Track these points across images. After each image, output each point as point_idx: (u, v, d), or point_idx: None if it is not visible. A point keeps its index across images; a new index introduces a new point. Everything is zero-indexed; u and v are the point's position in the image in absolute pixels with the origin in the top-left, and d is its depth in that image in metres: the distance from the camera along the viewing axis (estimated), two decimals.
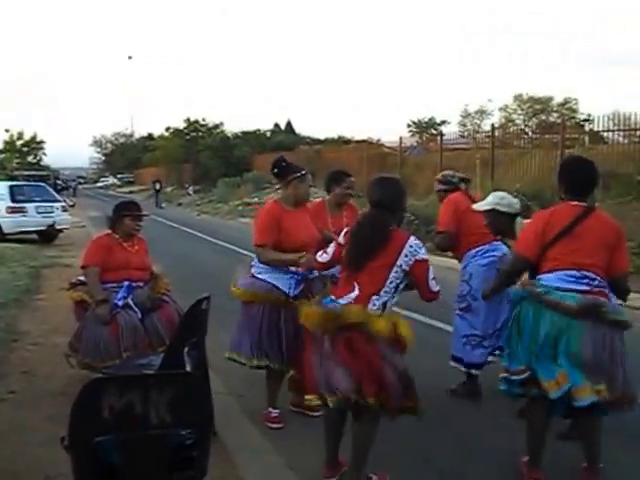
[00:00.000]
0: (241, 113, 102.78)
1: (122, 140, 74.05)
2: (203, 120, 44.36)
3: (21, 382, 4.67)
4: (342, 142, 34.74)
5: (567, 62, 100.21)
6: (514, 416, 3.68)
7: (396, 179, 3.47)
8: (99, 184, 67.78)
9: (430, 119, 51.04)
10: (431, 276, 3.09)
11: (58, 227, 15.21)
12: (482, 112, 48.94)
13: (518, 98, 46.98)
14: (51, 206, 15.23)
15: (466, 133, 33.07)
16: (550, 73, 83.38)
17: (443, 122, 49.44)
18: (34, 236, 14.97)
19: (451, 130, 40.08)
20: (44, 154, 52.35)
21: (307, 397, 3.18)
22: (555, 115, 43.27)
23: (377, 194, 3.17)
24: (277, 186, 4.20)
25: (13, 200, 14.60)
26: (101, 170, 79.87)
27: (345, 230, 3.28)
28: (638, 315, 6.89)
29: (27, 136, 50.62)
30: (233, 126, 64.62)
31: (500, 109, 47.98)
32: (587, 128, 19.49)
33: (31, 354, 5.40)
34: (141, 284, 4.59)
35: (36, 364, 5.09)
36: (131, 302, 4.42)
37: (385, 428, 3.12)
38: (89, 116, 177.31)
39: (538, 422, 3.20)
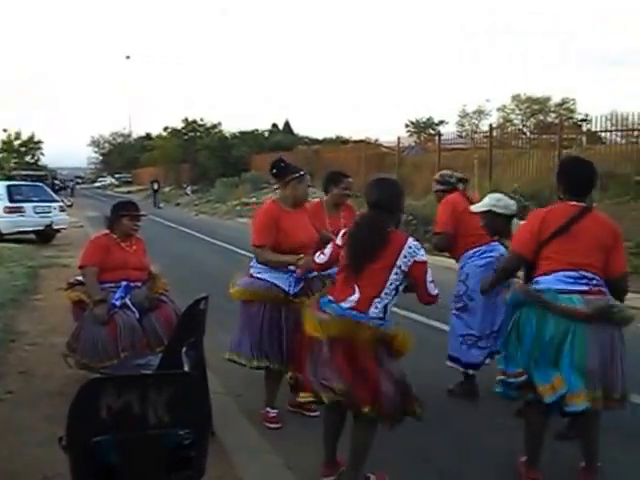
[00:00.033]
0: (239, 113, 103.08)
1: (120, 140, 73.97)
2: (201, 120, 44.41)
3: (19, 382, 4.66)
4: (340, 142, 34.79)
5: (567, 62, 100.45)
6: (512, 416, 3.69)
7: (394, 180, 3.48)
8: (97, 184, 67.70)
9: (428, 119, 51.16)
10: (429, 279, 3.08)
11: (56, 227, 15.19)
12: (480, 112, 49.12)
13: (516, 98, 47.11)
14: (49, 206, 15.21)
15: (464, 133, 33.14)
16: (550, 73, 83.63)
17: (441, 122, 49.60)
18: (32, 236, 14.94)
19: (449, 130, 40.30)
20: (42, 154, 52.43)
21: (302, 394, 3.18)
22: (553, 115, 43.35)
23: (375, 195, 3.16)
24: (275, 186, 4.20)
25: (11, 200, 14.57)
26: (99, 170, 79.75)
27: (343, 231, 3.28)
28: (637, 315, 6.93)
29: (25, 136, 50.65)
30: (231, 126, 64.66)
31: (498, 109, 48.17)
32: (585, 128, 19.52)
33: (29, 354, 5.39)
34: (139, 284, 4.59)
35: (34, 364, 5.08)
36: (129, 302, 4.42)
37: (383, 428, 3.11)
38: (87, 116, 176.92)
39: (536, 422, 3.20)
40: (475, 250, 4.45)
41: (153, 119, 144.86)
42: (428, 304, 3.17)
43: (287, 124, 47.66)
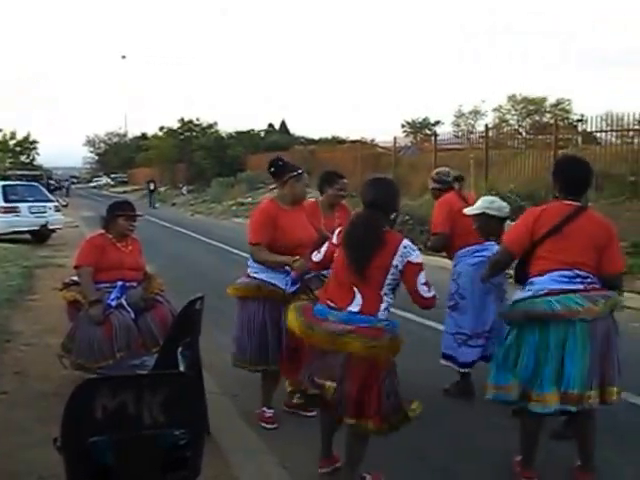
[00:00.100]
0: (236, 113, 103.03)
1: (115, 140, 73.88)
2: (197, 120, 44.34)
3: (14, 383, 4.65)
4: (336, 142, 34.80)
5: (566, 62, 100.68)
6: (507, 415, 3.69)
7: (390, 180, 3.47)
8: (92, 184, 67.54)
9: (424, 119, 51.18)
10: (422, 280, 2.99)
11: (51, 227, 15.15)
12: (476, 112, 49.08)
13: (512, 99, 47.12)
14: (44, 206, 15.16)
15: (460, 133, 33.05)
16: (549, 73, 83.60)
17: (437, 122, 49.60)
18: (27, 236, 14.90)
19: (445, 130, 40.25)
20: (37, 154, 52.33)
21: (289, 389, 3.18)
22: (548, 116, 43.40)
23: (371, 195, 3.15)
24: (272, 186, 4.21)
25: (6, 200, 14.53)
26: (94, 170, 79.56)
27: (338, 230, 3.27)
28: (633, 314, 6.95)
29: (20, 136, 50.56)
30: (227, 126, 64.73)
31: (494, 109, 48.13)
32: (580, 129, 19.55)
33: (24, 354, 5.37)
34: (135, 284, 4.58)
35: (29, 365, 5.07)
36: (124, 302, 4.41)
37: None
38: (83, 116, 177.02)
39: (531, 421, 3.20)
40: (468, 249, 4.47)
41: (149, 119, 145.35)
42: (425, 308, 3.09)
43: (283, 124, 47.63)
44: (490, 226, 4.19)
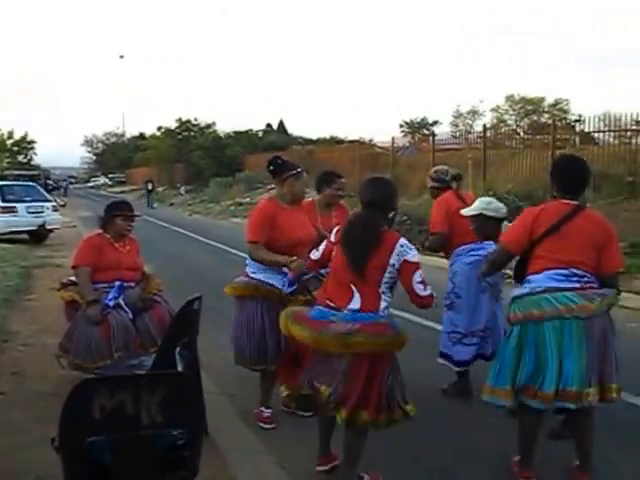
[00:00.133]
0: (234, 113, 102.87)
1: (113, 140, 73.80)
2: (195, 120, 44.32)
3: (11, 383, 4.64)
4: (334, 142, 34.82)
5: (566, 62, 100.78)
6: (505, 415, 3.69)
7: (388, 179, 3.49)
8: (90, 184, 67.48)
9: (422, 119, 51.23)
10: (418, 279, 3.00)
11: (49, 227, 15.15)
12: (474, 112, 49.16)
13: (510, 99, 47.21)
14: (42, 206, 15.16)
15: (458, 133, 33.09)
16: (548, 73, 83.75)
17: (435, 122, 49.66)
18: (25, 236, 14.89)
19: (443, 130, 40.31)
20: (35, 154, 52.34)
21: (281, 388, 3.18)
22: (546, 116, 43.46)
23: (369, 194, 3.16)
24: (270, 186, 4.21)
25: (3, 200, 14.53)
26: (92, 170, 79.51)
27: (336, 228, 3.28)
28: (631, 314, 6.96)
29: (17, 135, 50.50)
30: (225, 126, 64.59)
31: (492, 110, 48.21)
32: (578, 129, 19.57)
33: (21, 355, 5.37)
34: (132, 284, 4.58)
35: (26, 365, 5.06)
36: (122, 302, 4.40)
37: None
38: (81, 116, 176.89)
39: (529, 421, 3.20)
40: (464, 247, 4.47)
41: (147, 119, 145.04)
42: (422, 306, 3.09)
43: (281, 124, 47.63)
44: (487, 227, 4.20)
